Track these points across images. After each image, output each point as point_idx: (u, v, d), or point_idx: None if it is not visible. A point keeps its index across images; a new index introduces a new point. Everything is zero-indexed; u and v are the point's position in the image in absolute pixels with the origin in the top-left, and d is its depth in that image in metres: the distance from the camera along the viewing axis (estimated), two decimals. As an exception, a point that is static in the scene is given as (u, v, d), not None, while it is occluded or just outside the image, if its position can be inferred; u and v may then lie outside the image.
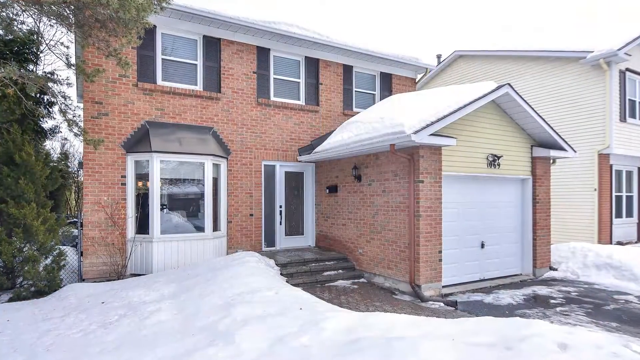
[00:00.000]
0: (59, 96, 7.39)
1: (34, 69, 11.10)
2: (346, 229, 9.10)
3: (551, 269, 8.93)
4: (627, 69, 11.65)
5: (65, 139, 22.48)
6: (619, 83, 11.44)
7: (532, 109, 8.09)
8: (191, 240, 8.37)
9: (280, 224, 10.07)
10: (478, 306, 6.55)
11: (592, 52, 11.28)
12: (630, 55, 11.16)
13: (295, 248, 10.08)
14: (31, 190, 7.07)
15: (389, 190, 7.77)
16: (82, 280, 7.92)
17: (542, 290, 7.55)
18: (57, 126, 12.96)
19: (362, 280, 8.38)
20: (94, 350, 4.33)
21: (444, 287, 7.39)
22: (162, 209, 8.25)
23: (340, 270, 8.52)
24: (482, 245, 8.22)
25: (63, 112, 7.24)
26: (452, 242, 7.72)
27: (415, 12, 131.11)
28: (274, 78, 10.10)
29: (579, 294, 7.23)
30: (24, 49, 9.79)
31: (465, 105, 7.12)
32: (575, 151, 9.07)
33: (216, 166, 8.96)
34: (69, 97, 7.58)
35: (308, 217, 10.44)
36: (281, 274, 7.79)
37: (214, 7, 9.28)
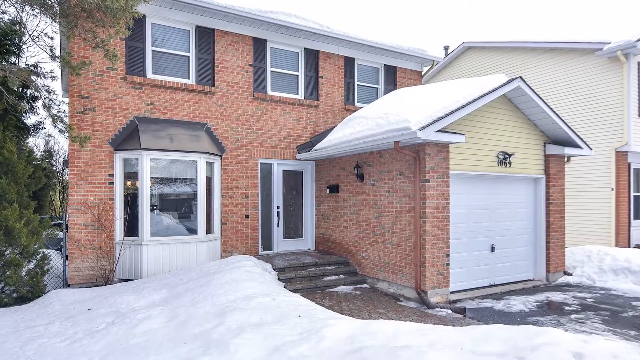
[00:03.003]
0: (43, 90, 7.40)
1: (16, 61, 11.10)
2: (348, 231, 9.10)
3: (565, 273, 8.94)
4: (646, 62, 11.64)
5: (50, 135, 22.54)
6: (637, 76, 11.42)
7: (546, 103, 8.08)
8: (183, 244, 8.37)
9: (278, 226, 10.07)
10: (488, 313, 6.55)
11: (609, 43, 11.27)
12: (649, 47, 11.14)
13: (293, 252, 10.08)
14: (13, 190, 7.06)
15: (393, 190, 7.77)
16: (67, 285, 7.91)
17: (556, 296, 7.55)
18: (40, 122, 12.98)
19: (364, 285, 8.38)
20: (80, 359, 4.33)
21: (451, 293, 7.39)
22: (152, 210, 8.25)
23: (341, 275, 8.52)
24: (492, 249, 8.22)
25: (47, 107, 7.24)
26: (460, 246, 7.72)
27: (422, 2, 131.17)
28: (271, 71, 10.10)
29: (595, 300, 7.24)
30: (5, 40, 9.79)
31: (474, 100, 7.12)
32: (591, 149, 9.07)
33: (210, 164, 8.96)
34: (54, 91, 7.61)
35: (307, 218, 10.44)
36: (279, 279, 7.79)
37: (208, -5, 9.26)
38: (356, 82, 11.42)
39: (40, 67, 11.04)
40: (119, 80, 8.33)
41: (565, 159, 9.21)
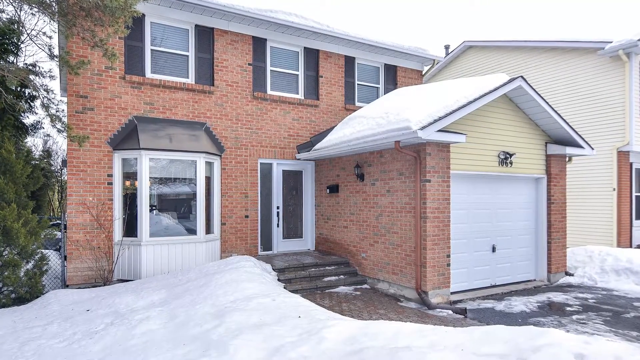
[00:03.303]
0: (41, 89, 7.39)
1: (15, 61, 11.10)
2: (348, 231, 9.10)
3: (567, 274, 8.94)
4: (648, 61, 11.63)
5: (48, 135, 22.58)
6: (639, 75, 11.43)
7: (547, 103, 8.08)
8: (182, 244, 8.37)
9: (278, 226, 10.07)
10: (489, 314, 6.55)
11: (611, 42, 11.27)
12: (651, 46, 11.14)
13: (293, 252, 10.08)
14: (11, 190, 7.06)
15: (393, 190, 7.77)
16: (65, 286, 7.92)
17: (558, 297, 7.55)
18: (39, 122, 13.01)
19: (364, 286, 8.38)
20: (78, 361, 4.33)
21: (452, 293, 7.39)
22: (151, 210, 8.25)
23: (341, 276, 8.52)
24: (494, 249, 8.22)
25: (45, 107, 7.24)
26: (461, 246, 7.72)
27: (422, 2, 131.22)
28: (270, 70, 10.10)
29: (596, 301, 7.24)
30: (3, 39, 9.80)
31: (475, 100, 7.12)
32: (593, 149, 9.07)
33: (209, 164, 8.96)
34: (52, 90, 7.60)
35: (307, 218, 10.44)
36: (278, 280, 7.79)
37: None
38: (356, 82, 11.41)
39: (39, 67, 11.07)
40: (117, 80, 8.32)
41: (567, 159, 9.21)
